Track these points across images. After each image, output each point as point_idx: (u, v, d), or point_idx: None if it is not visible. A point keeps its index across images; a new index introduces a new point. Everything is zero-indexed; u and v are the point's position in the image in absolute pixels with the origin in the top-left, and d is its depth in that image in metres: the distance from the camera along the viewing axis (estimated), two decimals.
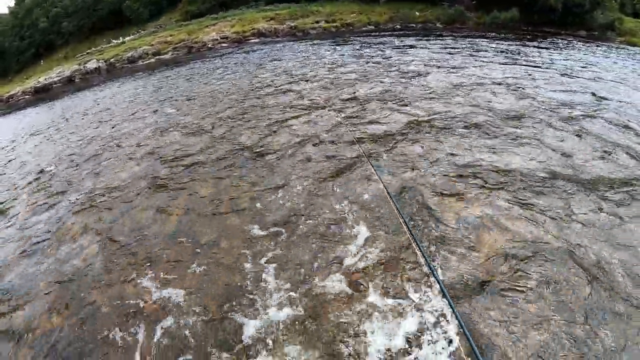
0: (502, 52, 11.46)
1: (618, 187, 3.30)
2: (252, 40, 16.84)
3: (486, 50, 11.38)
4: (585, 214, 2.91)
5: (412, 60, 9.19)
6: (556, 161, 3.71)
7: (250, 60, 11.32)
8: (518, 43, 14.13)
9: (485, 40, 14.15)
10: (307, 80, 7.56)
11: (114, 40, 23.83)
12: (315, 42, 14.28)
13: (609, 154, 3.87)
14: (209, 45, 18.00)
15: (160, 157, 4.80)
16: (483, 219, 2.85)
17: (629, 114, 5.21)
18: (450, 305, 1.83)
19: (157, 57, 19.22)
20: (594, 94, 6.33)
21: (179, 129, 5.76)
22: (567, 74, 8.32)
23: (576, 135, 4.33)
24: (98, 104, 9.53)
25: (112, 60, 19.85)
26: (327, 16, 17.05)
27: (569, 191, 3.20)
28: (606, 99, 6.09)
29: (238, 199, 3.51)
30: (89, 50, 24.61)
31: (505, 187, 3.26)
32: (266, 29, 16.79)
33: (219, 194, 3.68)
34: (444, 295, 2.06)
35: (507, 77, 7.46)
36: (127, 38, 23.28)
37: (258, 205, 3.31)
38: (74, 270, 2.94)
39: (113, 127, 6.75)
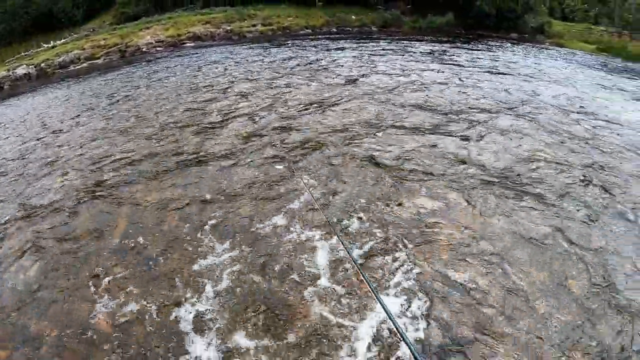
0: (430, 53, 12.03)
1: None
2: (188, 44, 16.50)
3: (418, 52, 11.90)
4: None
5: (345, 62, 9.51)
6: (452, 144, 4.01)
7: (185, 65, 11.09)
8: (450, 45, 14.82)
9: (419, 42, 14.72)
10: (238, 84, 7.61)
11: (44, 44, 22.49)
12: (252, 45, 14.24)
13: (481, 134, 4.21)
14: (144, 49, 17.42)
15: (99, 165, 4.58)
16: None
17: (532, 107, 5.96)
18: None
19: (90, 61, 18.33)
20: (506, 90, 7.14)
21: (116, 136, 5.53)
22: (490, 72, 9.00)
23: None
24: (29, 113, 8.92)
25: (42, 65, 18.73)
26: (264, 20, 17.03)
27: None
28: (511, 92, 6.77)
29: (183, 208, 3.43)
30: (18, 55, 23.08)
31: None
32: (202, 33, 16.51)
33: (164, 203, 3.55)
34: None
35: (432, 76, 8.06)
36: (59, 42, 22.06)
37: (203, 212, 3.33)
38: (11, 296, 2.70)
39: (47, 136, 6.31)
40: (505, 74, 9.14)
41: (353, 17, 17.90)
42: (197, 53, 13.39)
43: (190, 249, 2.87)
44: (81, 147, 5.29)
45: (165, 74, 9.82)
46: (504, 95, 6.85)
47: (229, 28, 16.54)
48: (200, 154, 4.45)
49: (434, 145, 4.33)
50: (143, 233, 3.13)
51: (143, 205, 3.54)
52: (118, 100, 7.69)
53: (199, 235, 3.01)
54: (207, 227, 3.09)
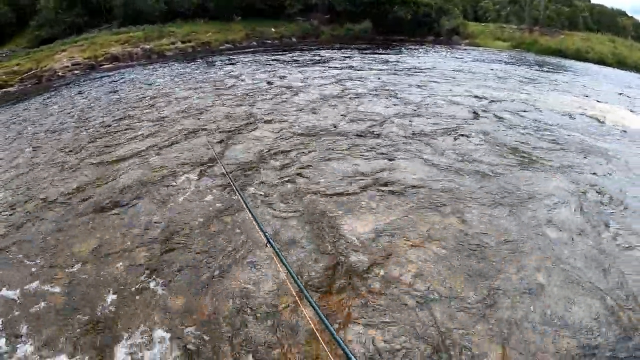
0: (346, 59, 13.04)
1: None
2: (106, 66, 16.37)
3: (332, 59, 12.89)
4: None
5: (263, 74, 10.30)
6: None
7: (101, 89, 11.05)
8: (367, 51, 15.94)
9: (333, 50, 15.73)
10: (153, 105, 7.94)
11: None
12: (171, 63, 14.48)
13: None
14: (60, 74, 17.02)
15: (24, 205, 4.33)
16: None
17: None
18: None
19: (3, 89, 17.62)
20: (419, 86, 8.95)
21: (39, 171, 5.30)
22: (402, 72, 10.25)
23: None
24: None
25: None
26: (183, 37, 17.27)
27: None
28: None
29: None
30: None
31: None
32: (120, 53, 16.45)
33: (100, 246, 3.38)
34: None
35: (340, 79, 9.39)
36: None
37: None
38: None
39: None
40: (412, 74, 10.40)
41: (272, 29, 18.62)
42: (114, 75, 13.40)
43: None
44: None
45: (80, 102, 9.59)
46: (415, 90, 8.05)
47: (147, 47, 16.61)
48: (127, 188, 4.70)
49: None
50: None
51: None
52: (41, 135, 7.17)
53: None
54: None
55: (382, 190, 4.08)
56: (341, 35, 19.75)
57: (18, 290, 2.96)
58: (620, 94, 10.39)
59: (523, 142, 5.63)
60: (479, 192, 4.07)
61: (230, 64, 13.03)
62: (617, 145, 5.82)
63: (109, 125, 7.00)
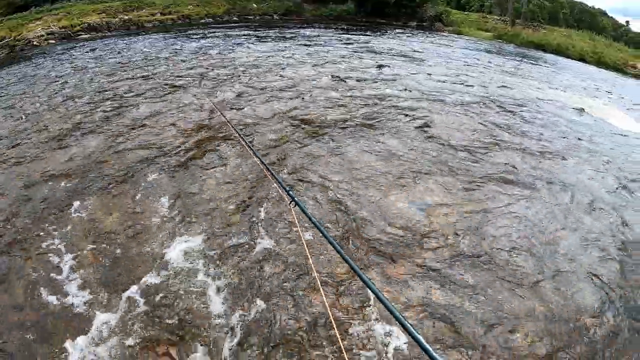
0: (328, 38, 13.19)
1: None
2: (83, 36, 16.10)
3: (316, 37, 13.12)
4: None
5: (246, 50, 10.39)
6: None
7: (83, 59, 10.72)
8: (351, 32, 16.09)
9: (317, 29, 15.84)
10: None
11: None
12: (152, 35, 14.37)
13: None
14: (35, 43, 16.65)
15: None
16: None
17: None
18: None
19: None
20: (380, 66, 9.14)
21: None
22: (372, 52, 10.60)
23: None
24: None
25: None
26: (164, 8, 17.06)
27: None
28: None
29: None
30: None
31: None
32: (97, 23, 16.17)
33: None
34: None
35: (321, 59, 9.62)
36: None
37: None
38: None
39: None
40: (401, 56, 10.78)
41: (254, 5, 18.54)
42: (94, 45, 13.21)
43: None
44: None
45: (59, 73, 9.28)
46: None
47: (126, 18, 16.38)
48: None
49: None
50: None
51: None
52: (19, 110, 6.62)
53: None
54: None
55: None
56: (324, 15, 19.79)
57: None
58: (598, 89, 11.18)
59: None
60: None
61: (208, 37, 13.06)
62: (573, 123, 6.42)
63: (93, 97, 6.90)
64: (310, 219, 1.67)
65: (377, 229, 3.17)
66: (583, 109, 7.66)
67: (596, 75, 16.64)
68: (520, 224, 3.40)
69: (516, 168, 4.41)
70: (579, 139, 5.83)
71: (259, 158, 2.72)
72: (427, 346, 0.98)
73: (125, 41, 13.17)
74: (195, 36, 13.38)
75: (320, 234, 1.54)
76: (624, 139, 6.39)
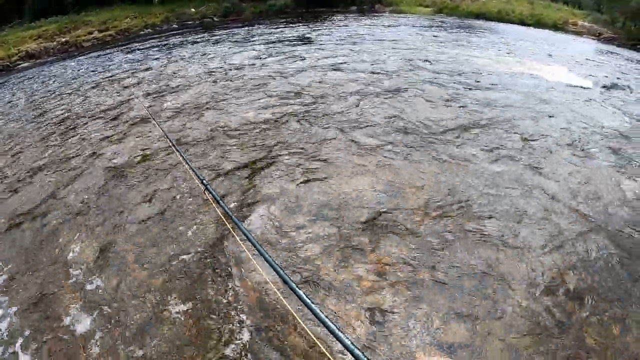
0: (263, 34, 13.77)
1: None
2: (23, 65, 16.15)
3: (250, 36, 13.70)
4: None
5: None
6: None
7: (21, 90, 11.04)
8: (285, 26, 16.66)
9: (252, 27, 16.32)
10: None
11: None
12: (90, 55, 14.59)
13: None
14: None
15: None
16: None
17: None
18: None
19: None
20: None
21: None
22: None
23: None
24: None
25: None
26: (101, 25, 17.14)
27: None
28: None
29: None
30: None
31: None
32: (35, 50, 16.21)
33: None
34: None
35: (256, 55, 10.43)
36: None
37: None
38: None
39: None
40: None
41: (192, 10, 18.75)
42: (33, 74, 13.39)
43: None
44: None
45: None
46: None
47: (64, 40, 16.45)
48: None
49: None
50: None
51: None
52: None
53: None
54: None
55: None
56: (264, 11, 20.13)
57: None
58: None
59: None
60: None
61: (139, 50, 13.46)
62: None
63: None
64: (220, 203, 1.73)
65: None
66: (526, 71, 8.98)
67: (537, 36, 18.01)
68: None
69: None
70: (525, 94, 7.16)
71: (178, 150, 2.96)
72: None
73: (60, 66, 13.45)
74: (131, 51, 13.76)
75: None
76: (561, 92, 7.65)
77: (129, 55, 13.08)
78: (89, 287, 3.28)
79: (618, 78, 9.37)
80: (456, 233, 3.53)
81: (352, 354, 0.98)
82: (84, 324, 2.92)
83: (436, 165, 4.68)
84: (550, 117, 6.31)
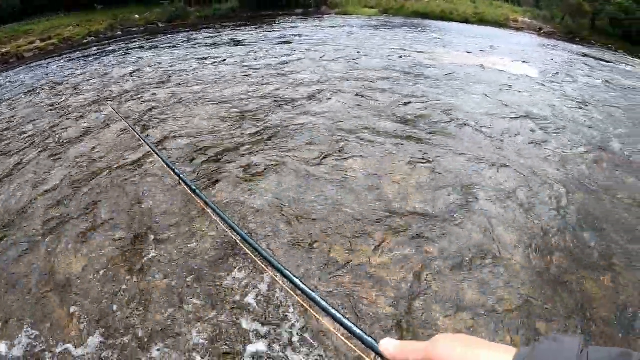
0: (212, 39, 14.42)
1: None
2: None
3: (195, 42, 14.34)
4: None
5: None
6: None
7: None
8: (235, 30, 17.34)
9: (194, 32, 16.93)
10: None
11: None
12: (31, 65, 14.77)
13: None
14: None
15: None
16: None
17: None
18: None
19: None
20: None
21: None
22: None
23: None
24: None
25: None
26: (42, 34, 17.27)
27: None
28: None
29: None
30: None
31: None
32: None
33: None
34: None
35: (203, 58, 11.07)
36: None
37: None
38: None
39: None
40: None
41: (137, 16, 19.11)
42: None
43: None
44: None
45: None
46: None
47: (4, 50, 16.51)
48: None
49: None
50: None
51: None
52: None
53: None
54: None
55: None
56: (210, 16, 20.74)
57: None
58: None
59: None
60: None
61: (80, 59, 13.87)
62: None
63: None
64: (196, 193, 1.63)
65: None
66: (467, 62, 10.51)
67: (480, 32, 19.74)
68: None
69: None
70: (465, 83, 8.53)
71: (149, 145, 2.82)
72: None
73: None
74: (70, 60, 14.11)
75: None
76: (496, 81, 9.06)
77: (69, 64, 13.46)
78: None
79: (547, 63, 11.47)
80: None
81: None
82: None
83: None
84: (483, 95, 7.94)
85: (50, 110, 8.44)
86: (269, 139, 5.84)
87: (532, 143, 5.94)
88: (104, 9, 19.30)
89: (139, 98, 8.33)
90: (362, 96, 7.61)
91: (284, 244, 3.61)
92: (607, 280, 3.30)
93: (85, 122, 7.09)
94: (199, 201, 1.81)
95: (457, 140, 5.86)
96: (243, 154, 5.38)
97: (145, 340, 2.76)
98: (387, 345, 0.62)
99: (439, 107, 7.11)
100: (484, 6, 30.55)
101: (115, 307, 3.05)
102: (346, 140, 5.68)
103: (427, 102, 7.36)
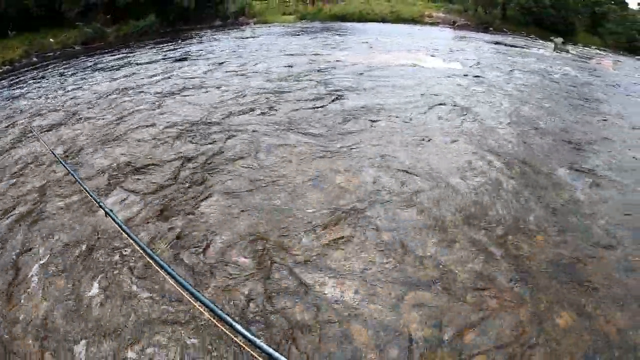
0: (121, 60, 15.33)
1: None
2: None
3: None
4: None
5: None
6: None
7: None
8: (152, 47, 18.14)
9: (118, 52, 17.67)
10: None
11: None
12: None
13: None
14: None
15: None
16: None
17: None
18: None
19: None
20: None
21: None
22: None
23: None
24: None
25: None
26: None
27: None
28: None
29: None
30: None
31: None
32: None
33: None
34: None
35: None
36: None
37: None
38: None
39: None
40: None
41: (52, 40, 19.55)
42: None
43: None
44: None
45: None
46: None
47: None
48: None
49: None
50: None
51: None
52: None
53: None
54: None
55: None
56: (128, 34, 21.49)
57: None
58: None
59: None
60: None
61: None
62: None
63: None
64: (120, 226, 1.82)
65: None
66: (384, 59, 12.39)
67: (396, 30, 22.09)
68: None
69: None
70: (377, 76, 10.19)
71: (72, 173, 3.04)
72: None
73: None
74: None
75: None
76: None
77: None
78: None
79: (454, 51, 14.24)
80: None
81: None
82: None
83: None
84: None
85: None
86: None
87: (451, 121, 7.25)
88: (18, 34, 19.53)
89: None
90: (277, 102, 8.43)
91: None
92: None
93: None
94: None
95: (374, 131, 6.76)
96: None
97: None
98: None
99: (359, 105, 7.85)
100: (399, 5, 33.17)
101: None
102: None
103: (344, 99, 8.27)
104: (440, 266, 3.51)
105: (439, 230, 4.00)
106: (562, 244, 3.91)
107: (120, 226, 1.92)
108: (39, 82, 14.17)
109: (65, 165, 4.17)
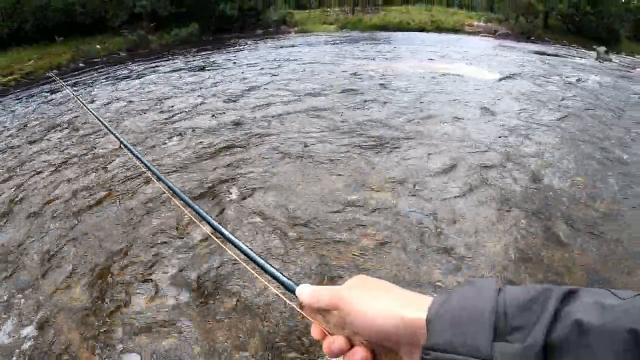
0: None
1: None
2: None
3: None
4: None
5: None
6: None
7: None
8: (195, 56, 18.08)
9: (149, 61, 17.57)
10: None
11: None
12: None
13: None
14: None
15: None
16: None
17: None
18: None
19: None
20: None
21: None
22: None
23: None
24: None
25: None
26: (3, 69, 17.47)
27: None
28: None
29: None
30: None
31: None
32: None
33: None
34: None
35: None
36: None
37: None
38: None
39: None
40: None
41: (98, 46, 19.58)
42: None
43: None
44: None
45: None
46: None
47: None
48: None
49: None
50: None
51: None
52: None
53: None
54: None
55: None
56: (170, 43, 21.45)
57: None
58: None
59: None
60: None
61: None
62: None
63: None
64: (139, 158, 1.75)
65: None
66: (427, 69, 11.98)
67: (437, 39, 21.56)
68: None
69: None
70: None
71: (93, 114, 2.84)
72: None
73: None
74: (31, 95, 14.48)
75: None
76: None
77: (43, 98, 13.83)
78: None
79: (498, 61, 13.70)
80: None
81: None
82: None
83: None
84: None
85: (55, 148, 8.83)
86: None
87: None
88: (65, 40, 19.61)
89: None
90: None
91: None
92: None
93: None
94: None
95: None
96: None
97: None
98: (303, 290, 0.61)
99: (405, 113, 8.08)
100: (439, 14, 32.50)
101: None
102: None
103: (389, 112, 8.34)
104: None
105: None
106: None
107: (139, 158, 1.92)
108: (83, 86, 14.04)
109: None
